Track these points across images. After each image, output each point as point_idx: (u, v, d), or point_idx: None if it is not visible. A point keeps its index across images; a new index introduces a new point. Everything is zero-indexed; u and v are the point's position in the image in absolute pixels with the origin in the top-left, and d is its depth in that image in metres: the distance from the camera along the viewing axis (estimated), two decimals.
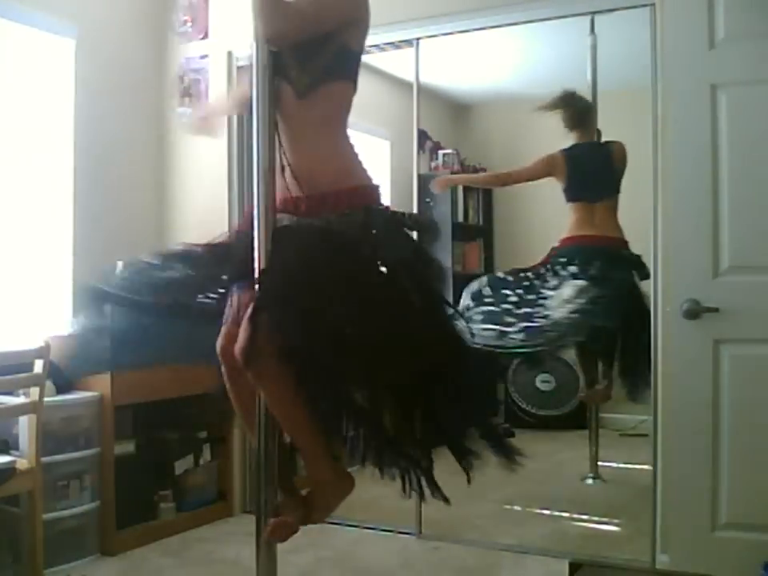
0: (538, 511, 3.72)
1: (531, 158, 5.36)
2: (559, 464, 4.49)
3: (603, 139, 4.21)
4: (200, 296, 1.99)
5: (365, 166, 2.04)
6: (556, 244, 4.08)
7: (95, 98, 3.67)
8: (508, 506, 3.83)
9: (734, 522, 2.56)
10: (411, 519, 3.47)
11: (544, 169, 4.22)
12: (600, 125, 4.22)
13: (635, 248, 4.17)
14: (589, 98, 4.17)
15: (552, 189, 5.15)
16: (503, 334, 3.68)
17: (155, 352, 2.07)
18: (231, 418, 2.27)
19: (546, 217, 5.22)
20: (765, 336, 2.53)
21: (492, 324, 3.74)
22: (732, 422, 2.56)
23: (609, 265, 3.76)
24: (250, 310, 1.69)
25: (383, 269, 1.88)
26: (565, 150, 4.10)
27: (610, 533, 3.46)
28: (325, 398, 1.86)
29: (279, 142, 1.88)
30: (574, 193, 4.06)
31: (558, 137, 5.14)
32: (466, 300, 3.92)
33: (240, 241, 1.93)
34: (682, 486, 2.67)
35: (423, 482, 1.90)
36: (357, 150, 2.02)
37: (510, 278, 3.98)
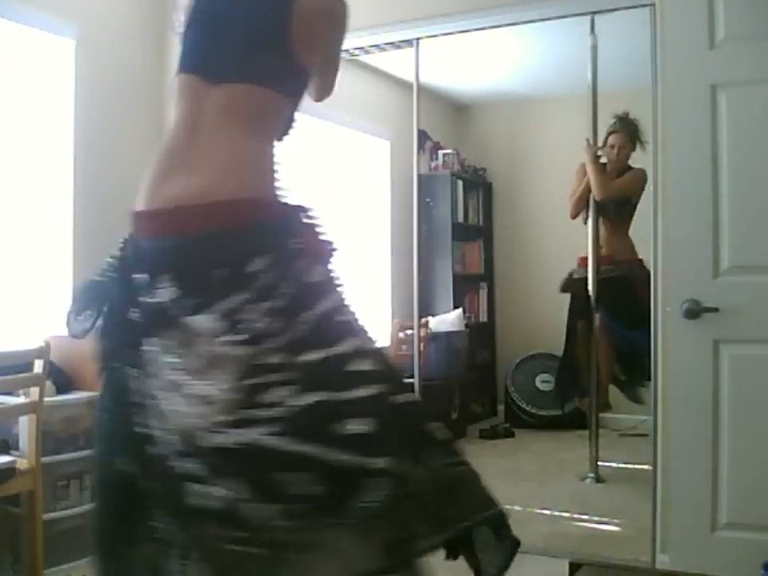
0: (538, 511, 3.72)
1: (531, 158, 5.39)
2: (559, 464, 4.50)
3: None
4: None
5: None
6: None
7: (95, 98, 3.67)
8: (508, 506, 3.81)
9: (734, 521, 2.56)
10: None
11: None
12: (600, 125, 4.23)
13: (637, 249, 4.21)
14: (589, 97, 4.18)
15: (552, 189, 5.16)
16: None
17: None
18: None
19: (546, 217, 5.23)
20: (765, 336, 2.53)
21: None
22: (732, 422, 2.56)
23: None
24: None
25: None
26: None
27: (610, 533, 3.46)
28: None
29: None
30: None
31: (557, 137, 5.16)
32: None
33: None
34: (681, 486, 2.67)
35: None
36: None
37: None
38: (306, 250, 1.55)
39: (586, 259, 4.32)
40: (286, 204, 1.61)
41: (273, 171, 1.63)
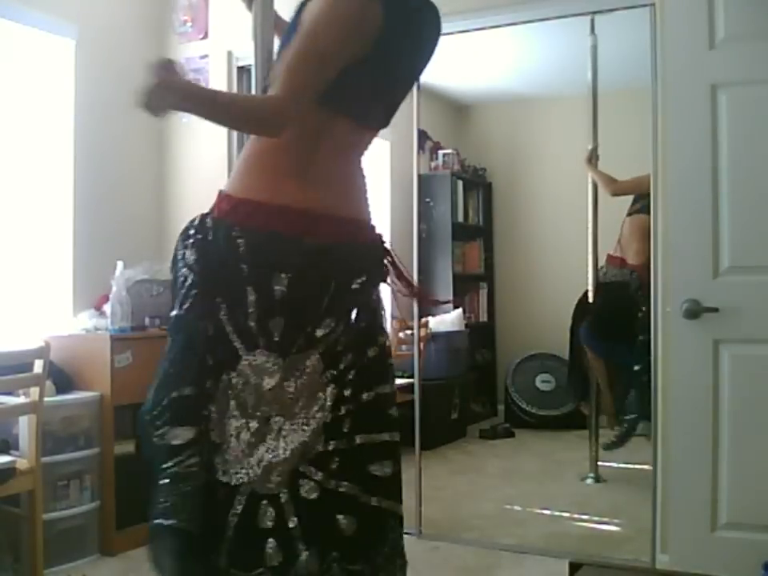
0: (538, 511, 3.73)
1: (531, 158, 5.39)
2: (559, 464, 4.50)
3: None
4: None
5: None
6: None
7: (95, 98, 3.67)
8: (508, 506, 3.83)
9: (734, 521, 2.56)
10: (411, 519, 3.47)
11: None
12: (600, 125, 4.23)
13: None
14: (589, 97, 4.18)
15: (552, 189, 5.16)
16: None
17: None
18: None
19: (546, 217, 5.23)
20: (765, 336, 2.53)
21: None
22: (732, 422, 2.56)
23: None
24: None
25: None
26: None
27: (610, 533, 3.46)
28: None
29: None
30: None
31: (557, 137, 5.16)
32: None
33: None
34: (682, 486, 2.67)
35: None
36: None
37: None
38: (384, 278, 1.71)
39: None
40: (375, 228, 1.73)
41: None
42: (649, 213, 3.96)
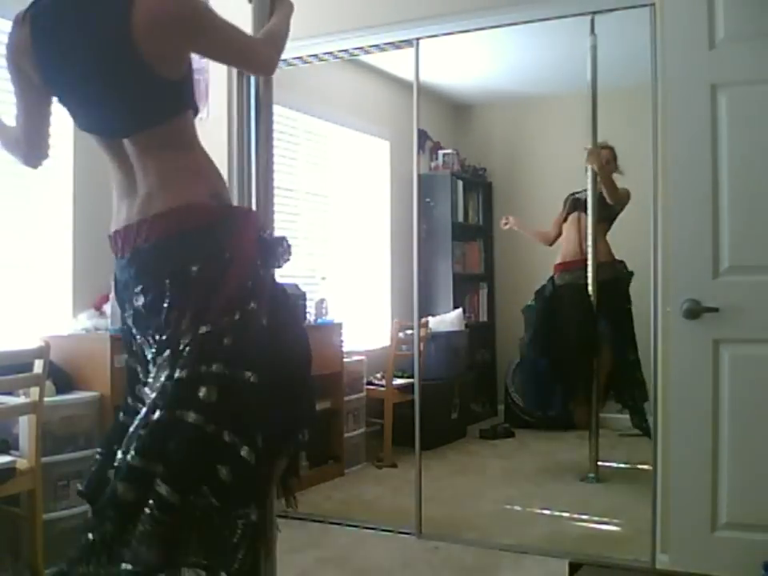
0: (538, 511, 3.73)
1: (531, 158, 5.39)
2: (559, 464, 4.50)
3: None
4: None
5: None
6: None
7: None
8: (508, 506, 3.83)
9: (734, 521, 2.56)
10: (411, 519, 3.47)
11: None
12: (600, 125, 4.23)
13: (637, 249, 4.20)
14: (589, 97, 4.18)
15: (552, 189, 5.15)
16: None
17: None
18: None
19: (546, 217, 5.23)
20: (765, 336, 2.53)
21: None
22: (732, 422, 2.56)
23: None
24: None
25: None
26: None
27: (610, 533, 3.46)
28: None
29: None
30: None
31: (557, 137, 5.16)
32: None
33: None
34: (682, 486, 2.67)
35: None
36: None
37: None
38: (238, 256, 1.71)
39: (563, 264, 4.44)
40: (223, 207, 1.76)
41: (207, 176, 1.79)
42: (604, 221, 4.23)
